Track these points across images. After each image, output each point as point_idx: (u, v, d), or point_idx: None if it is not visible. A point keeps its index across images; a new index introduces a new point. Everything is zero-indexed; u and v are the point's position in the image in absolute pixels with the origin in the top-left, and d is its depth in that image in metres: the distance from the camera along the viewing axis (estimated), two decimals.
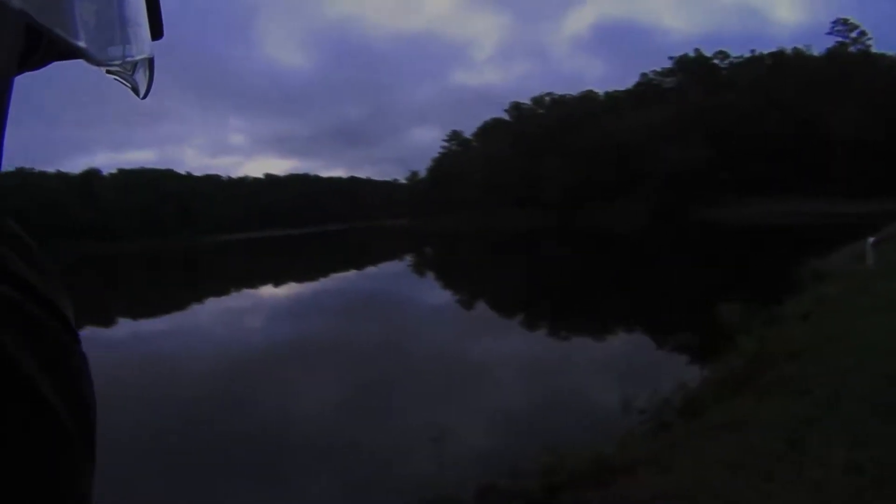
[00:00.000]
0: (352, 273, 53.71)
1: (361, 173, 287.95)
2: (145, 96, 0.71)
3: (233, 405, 16.80)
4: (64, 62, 0.63)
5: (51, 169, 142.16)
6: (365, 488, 10.82)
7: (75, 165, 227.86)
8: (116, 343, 27.52)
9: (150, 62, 0.70)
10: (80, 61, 0.58)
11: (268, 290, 46.90)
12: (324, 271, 54.61)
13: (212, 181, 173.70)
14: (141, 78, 0.69)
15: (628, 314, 25.06)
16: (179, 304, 39.13)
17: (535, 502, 7.35)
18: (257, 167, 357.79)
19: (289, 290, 46.39)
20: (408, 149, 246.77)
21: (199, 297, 42.02)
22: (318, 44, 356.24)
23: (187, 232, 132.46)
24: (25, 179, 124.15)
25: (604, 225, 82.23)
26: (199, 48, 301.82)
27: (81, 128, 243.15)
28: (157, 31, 0.70)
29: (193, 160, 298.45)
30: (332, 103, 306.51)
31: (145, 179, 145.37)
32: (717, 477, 6.61)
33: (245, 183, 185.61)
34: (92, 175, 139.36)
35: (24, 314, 0.49)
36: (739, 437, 7.59)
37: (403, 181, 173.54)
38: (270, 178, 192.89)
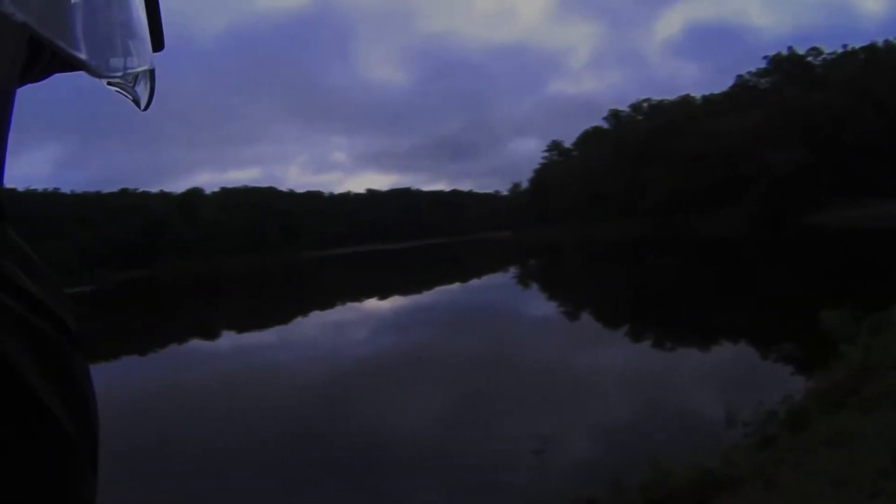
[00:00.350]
0: (456, 286, 53.68)
1: (463, 186, 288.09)
2: (146, 108, 0.71)
3: (339, 414, 17.30)
4: (66, 73, 0.66)
5: (154, 189, 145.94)
6: (466, 498, 10.87)
7: (179, 186, 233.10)
8: (225, 355, 28.35)
9: (152, 74, 0.70)
10: (82, 73, 0.57)
11: (372, 303, 47.26)
12: (428, 284, 55.07)
13: (314, 198, 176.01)
14: (142, 90, 0.69)
15: (732, 322, 24.57)
16: (285, 318, 39.81)
17: None
18: (359, 183, 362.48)
19: (393, 302, 46.60)
20: (508, 160, 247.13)
21: (304, 311, 42.72)
22: (415, 60, 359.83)
23: (290, 248, 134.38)
24: (129, 200, 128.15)
25: (706, 231, 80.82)
26: (299, 70, 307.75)
27: (186, 150, 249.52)
28: (157, 43, 0.71)
29: (296, 178, 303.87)
30: (431, 118, 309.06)
31: (248, 197, 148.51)
32: (822, 493, 6.53)
33: (347, 199, 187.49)
34: (194, 194, 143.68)
35: (24, 323, 0.49)
36: (845, 451, 7.46)
37: (505, 193, 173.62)
38: (372, 194, 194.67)
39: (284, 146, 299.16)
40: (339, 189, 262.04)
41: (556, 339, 25.21)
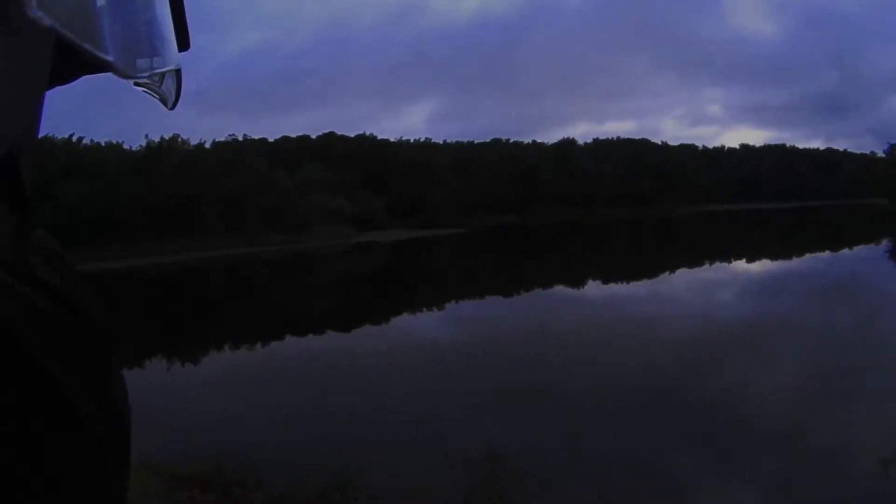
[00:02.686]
0: (825, 254, 51.44)
1: (838, 145, 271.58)
2: (173, 107, 0.74)
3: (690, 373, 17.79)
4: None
5: (526, 140, 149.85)
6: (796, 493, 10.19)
7: (551, 137, 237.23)
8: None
9: (178, 73, 0.72)
10: (109, 74, 0.59)
11: (741, 265, 47.00)
12: (797, 250, 53.64)
13: (688, 151, 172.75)
14: (169, 89, 0.71)
15: None
16: (647, 272, 40.89)
17: None
18: (733, 137, 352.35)
19: (761, 266, 45.78)
20: (887, 118, 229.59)
21: (671, 267, 42.79)
22: (786, 9, 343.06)
23: (664, 201, 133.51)
24: (501, 149, 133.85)
25: None
26: (673, 22, 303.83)
27: (559, 103, 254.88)
28: (183, 43, 0.72)
29: (671, 131, 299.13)
30: (805, 71, 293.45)
31: (621, 148, 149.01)
32: None
33: (721, 153, 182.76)
34: (568, 144, 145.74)
35: (53, 321, 0.50)
36: None
37: (882, 154, 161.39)
38: (746, 149, 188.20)
39: (659, 98, 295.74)
40: (714, 143, 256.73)
41: None
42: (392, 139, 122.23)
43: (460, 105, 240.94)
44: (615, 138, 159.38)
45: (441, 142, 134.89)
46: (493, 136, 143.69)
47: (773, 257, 49.67)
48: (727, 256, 50.51)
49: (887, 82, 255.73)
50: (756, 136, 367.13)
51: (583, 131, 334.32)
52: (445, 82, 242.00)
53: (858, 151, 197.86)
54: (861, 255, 49.85)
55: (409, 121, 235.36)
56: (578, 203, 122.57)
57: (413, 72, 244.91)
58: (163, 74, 0.68)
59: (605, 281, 39.65)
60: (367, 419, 14.37)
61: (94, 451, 0.51)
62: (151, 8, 0.65)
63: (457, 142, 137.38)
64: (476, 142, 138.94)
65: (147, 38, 0.63)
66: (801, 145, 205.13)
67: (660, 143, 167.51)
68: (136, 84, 0.64)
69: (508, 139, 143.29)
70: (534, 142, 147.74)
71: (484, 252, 65.75)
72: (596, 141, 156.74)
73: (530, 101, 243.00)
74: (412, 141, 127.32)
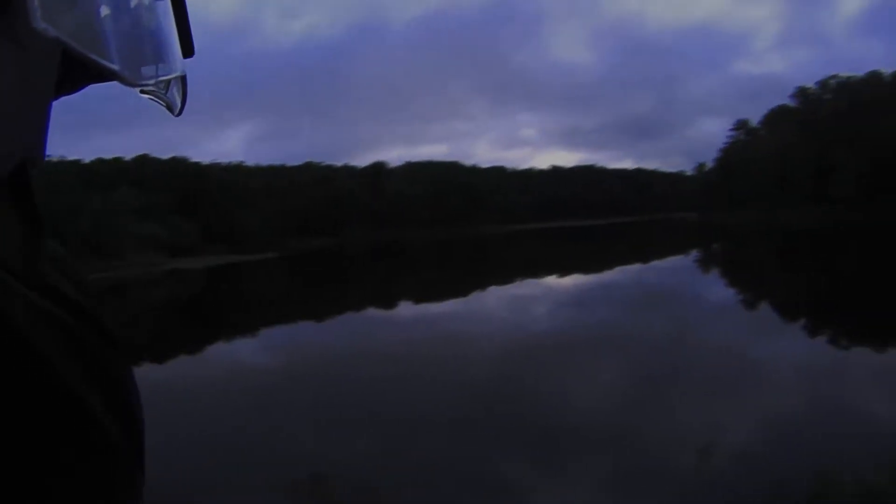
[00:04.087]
0: (637, 266, 52.77)
1: (649, 165, 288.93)
2: (179, 113, 0.73)
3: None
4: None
5: (338, 163, 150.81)
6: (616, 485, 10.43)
7: (365, 161, 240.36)
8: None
9: (183, 80, 0.71)
10: (115, 83, 0.59)
11: (552, 280, 47.29)
12: (611, 263, 54.40)
13: (497, 173, 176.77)
14: (175, 96, 0.70)
15: None
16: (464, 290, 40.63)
17: None
18: (546, 159, 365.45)
19: (574, 280, 46.51)
20: (695, 140, 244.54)
21: (483, 285, 43.14)
22: (603, 41, 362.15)
23: (474, 220, 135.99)
24: (314, 172, 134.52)
25: None
26: (490, 52, 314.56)
27: (374, 127, 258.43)
28: (187, 49, 0.72)
29: (484, 154, 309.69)
30: (618, 97, 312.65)
31: (431, 171, 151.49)
32: None
33: (531, 174, 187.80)
34: (379, 167, 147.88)
35: (64, 327, 0.51)
36: None
37: (690, 173, 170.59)
38: (556, 170, 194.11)
39: (474, 123, 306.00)
40: (526, 166, 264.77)
41: (730, 328, 24.12)
42: (205, 162, 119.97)
43: (279, 128, 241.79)
44: (426, 161, 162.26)
45: (254, 165, 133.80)
46: (307, 160, 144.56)
47: (582, 271, 50.52)
48: (532, 271, 50.97)
49: (696, 106, 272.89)
50: (569, 158, 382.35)
51: (397, 155, 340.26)
52: (265, 105, 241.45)
53: (669, 170, 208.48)
54: (669, 266, 51.50)
55: (228, 144, 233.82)
56: (391, 224, 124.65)
57: (234, 94, 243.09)
58: (168, 81, 0.68)
59: (417, 301, 39.47)
60: (190, 445, 13.97)
61: (107, 452, 0.52)
62: (155, 15, 0.65)
63: (269, 165, 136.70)
64: (288, 165, 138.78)
65: (151, 46, 0.63)
66: (612, 166, 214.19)
67: (470, 165, 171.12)
68: (142, 92, 0.64)
69: (321, 162, 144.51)
70: (346, 165, 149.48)
71: (295, 276, 64.96)
72: (408, 164, 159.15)
73: (348, 125, 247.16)
74: (224, 164, 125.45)
